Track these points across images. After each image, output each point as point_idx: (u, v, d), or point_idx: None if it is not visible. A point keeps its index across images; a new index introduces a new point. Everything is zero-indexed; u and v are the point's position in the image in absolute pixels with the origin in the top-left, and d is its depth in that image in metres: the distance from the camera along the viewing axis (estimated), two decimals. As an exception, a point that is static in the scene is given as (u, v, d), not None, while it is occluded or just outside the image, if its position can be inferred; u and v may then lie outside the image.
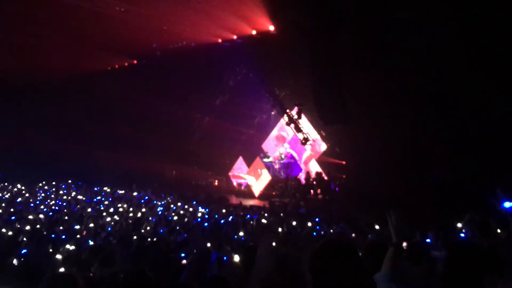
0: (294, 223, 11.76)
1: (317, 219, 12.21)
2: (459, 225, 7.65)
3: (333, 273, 2.17)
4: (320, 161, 21.22)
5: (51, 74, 22.89)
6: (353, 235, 9.70)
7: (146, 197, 18.62)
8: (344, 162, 19.16)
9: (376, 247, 3.29)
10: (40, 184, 23.07)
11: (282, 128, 23.40)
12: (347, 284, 2.15)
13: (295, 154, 22.83)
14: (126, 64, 24.99)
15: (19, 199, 16.67)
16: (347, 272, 2.17)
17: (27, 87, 24.37)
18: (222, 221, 11.07)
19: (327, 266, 2.20)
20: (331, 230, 10.70)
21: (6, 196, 18.00)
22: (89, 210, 13.77)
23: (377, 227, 10.17)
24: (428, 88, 13.23)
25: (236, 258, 5.36)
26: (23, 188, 21.30)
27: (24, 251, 6.29)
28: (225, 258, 6.07)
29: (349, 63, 14.96)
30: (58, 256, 6.55)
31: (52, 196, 18.81)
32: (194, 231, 9.73)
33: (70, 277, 3.42)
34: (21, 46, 19.68)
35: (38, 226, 9.89)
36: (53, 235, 8.02)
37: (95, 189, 21.99)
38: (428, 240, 6.86)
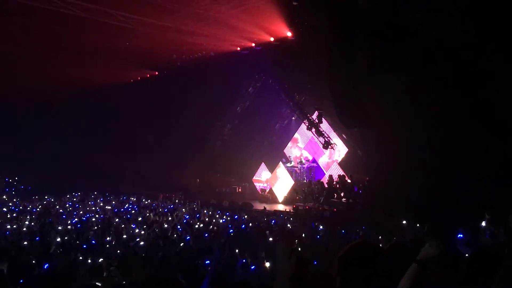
0: (321, 227, 11.83)
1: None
2: (483, 223, 7.61)
3: (361, 276, 2.20)
4: (342, 165, 21.18)
5: (76, 87, 23.58)
6: (379, 237, 9.68)
7: (172, 206, 18.89)
8: (367, 165, 19.06)
9: (399, 248, 3.29)
10: (68, 196, 23.61)
11: (303, 133, 23.47)
12: (375, 285, 2.17)
13: (310, 158, 22.95)
14: (148, 75, 25.47)
15: (49, 211, 17.10)
16: (374, 275, 2.19)
17: (52, 100, 25.05)
18: (243, 226, 11.14)
19: (354, 269, 2.23)
20: (356, 234, 10.69)
21: (38, 208, 18.49)
22: (117, 220, 14.07)
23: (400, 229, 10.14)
24: (449, 88, 13.13)
25: (267, 264, 5.45)
26: (52, 200, 21.83)
27: (47, 264, 6.46)
28: (251, 265, 6.17)
29: (367, 66, 14.97)
30: (87, 264, 6.77)
31: (80, 207, 19.22)
32: (219, 238, 9.87)
33: (94, 287, 3.52)
34: (44, 60, 20.32)
35: (66, 238, 10.19)
36: (84, 245, 8.28)
37: (122, 199, 22.41)
38: (460, 236, 6.72)
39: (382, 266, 2.22)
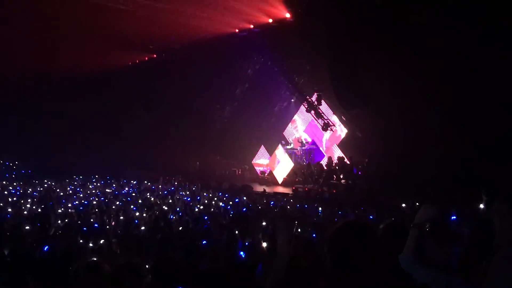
0: (320, 208, 11.93)
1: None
2: (481, 206, 7.65)
3: (350, 253, 2.20)
4: (341, 146, 21.21)
5: (73, 71, 23.46)
6: (376, 217, 9.76)
7: (172, 188, 18.98)
8: (366, 146, 19.09)
9: (395, 228, 3.29)
10: (67, 180, 23.69)
11: (302, 115, 23.45)
12: (365, 264, 2.18)
13: (309, 140, 22.98)
14: (146, 58, 25.32)
15: (50, 195, 17.18)
16: (364, 252, 2.19)
17: (51, 83, 24.94)
18: (244, 209, 11.22)
19: (344, 246, 2.23)
20: (354, 214, 10.78)
21: (39, 191, 18.58)
22: (117, 202, 14.15)
23: (400, 209, 10.21)
24: (449, 68, 13.03)
25: (264, 245, 5.50)
26: (52, 184, 21.91)
27: (47, 246, 6.51)
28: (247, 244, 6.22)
29: (366, 47, 14.86)
30: (88, 247, 6.83)
31: (81, 190, 19.30)
32: (218, 220, 9.94)
33: (96, 263, 3.60)
34: (43, 43, 20.19)
35: (66, 220, 10.27)
36: (84, 228, 8.34)
37: (122, 182, 22.50)
38: (453, 218, 6.83)
39: (371, 244, 2.23)
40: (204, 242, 6.34)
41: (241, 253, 5.92)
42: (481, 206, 7.84)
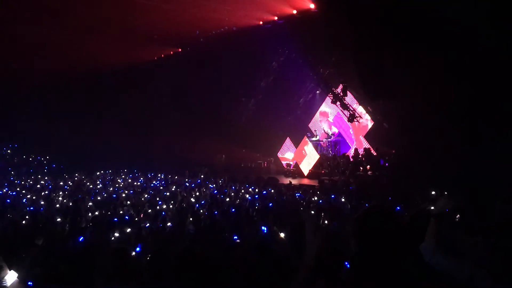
0: (343, 199, 11.87)
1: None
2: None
3: (374, 238, 2.22)
4: (368, 138, 21.01)
5: (100, 66, 23.85)
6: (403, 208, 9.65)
7: (199, 181, 19.17)
8: (392, 137, 18.84)
9: (422, 217, 3.27)
10: (98, 173, 24.21)
11: (328, 106, 23.31)
12: (389, 249, 2.19)
13: (335, 131, 22.80)
14: (172, 52, 25.54)
15: (80, 188, 17.63)
16: (388, 237, 2.20)
17: (78, 80, 25.39)
18: (271, 204, 11.24)
19: (368, 230, 2.25)
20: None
21: (70, 185, 19.08)
22: (146, 195, 14.41)
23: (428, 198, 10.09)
24: (473, 62, 12.70)
25: (282, 234, 5.53)
26: (82, 177, 22.45)
27: (81, 237, 6.70)
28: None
29: (393, 36, 14.60)
30: (115, 236, 7.01)
31: (110, 184, 19.72)
32: (245, 212, 10.00)
33: (122, 249, 3.69)
34: (66, 40, 20.50)
35: (97, 213, 10.53)
36: (115, 219, 8.54)
37: (149, 175, 22.87)
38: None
39: (395, 229, 2.23)
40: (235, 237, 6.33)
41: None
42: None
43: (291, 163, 24.64)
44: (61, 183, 19.82)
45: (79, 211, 9.94)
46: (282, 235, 5.50)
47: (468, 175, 11.97)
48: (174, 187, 16.97)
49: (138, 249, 5.83)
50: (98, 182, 20.11)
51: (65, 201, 13.62)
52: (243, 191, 15.46)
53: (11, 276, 2.82)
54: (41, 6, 17.24)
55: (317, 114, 24.47)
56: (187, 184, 17.92)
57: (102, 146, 26.57)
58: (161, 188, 17.29)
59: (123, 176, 22.91)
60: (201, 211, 10.71)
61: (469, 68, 12.84)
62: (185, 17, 18.75)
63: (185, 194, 14.30)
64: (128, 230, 7.65)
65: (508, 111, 12.08)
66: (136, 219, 9.55)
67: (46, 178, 22.71)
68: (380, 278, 2.14)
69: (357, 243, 2.28)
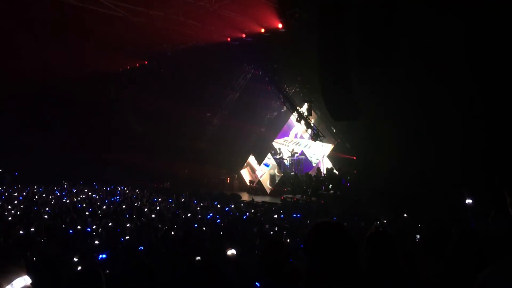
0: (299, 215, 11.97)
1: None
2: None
3: (324, 252, 2.18)
4: (330, 157, 21.27)
5: (63, 76, 23.24)
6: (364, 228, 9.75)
7: (158, 196, 18.85)
8: (354, 158, 19.15)
9: (379, 235, 3.27)
10: (54, 186, 23.46)
11: (292, 125, 23.50)
12: (339, 264, 2.15)
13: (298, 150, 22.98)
14: (137, 65, 25.28)
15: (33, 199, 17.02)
16: (338, 251, 2.17)
17: (36, 90, 24.68)
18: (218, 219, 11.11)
19: (318, 245, 2.21)
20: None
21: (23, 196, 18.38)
22: (104, 207, 14.04)
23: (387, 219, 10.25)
24: (437, 83, 13.18)
25: (232, 251, 5.45)
26: (39, 189, 21.70)
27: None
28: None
29: (357, 59, 14.94)
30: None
31: (67, 195, 19.13)
32: (208, 228, 9.86)
33: (95, 273, 3.47)
34: (32, 49, 19.96)
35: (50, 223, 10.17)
36: (70, 231, 8.26)
37: (109, 188, 22.35)
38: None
39: (344, 243, 2.23)
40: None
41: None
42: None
43: (254, 179, 24.62)
44: (15, 194, 19.09)
45: (32, 222, 9.59)
46: (232, 251, 5.41)
47: (429, 195, 12.28)
48: (133, 201, 16.62)
49: (104, 255, 5.65)
50: (56, 193, 19.50)
51: (18, 213, 13.09)
52: (201, 205, 15.33)
53: (21, 282, 2.46)
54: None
55: (281, 132, 24.62)
56: (148, 199, 17.59)
57: (59, 157, 25.79)
58: (121, 201, 16.89)
59: (81, 188, 22.29)
60: (160, 226, 10.50)
61: (431, 88, 13.29)
62: (153, 30, 18.64)
63: (146, 209, 14.01)
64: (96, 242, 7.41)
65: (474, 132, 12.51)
66: (94, 233, 9.24)
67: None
68: None
69: (308, 257, 2.27)
